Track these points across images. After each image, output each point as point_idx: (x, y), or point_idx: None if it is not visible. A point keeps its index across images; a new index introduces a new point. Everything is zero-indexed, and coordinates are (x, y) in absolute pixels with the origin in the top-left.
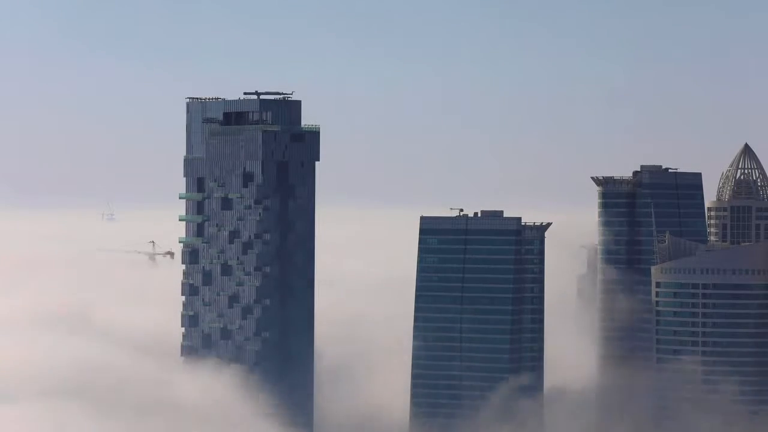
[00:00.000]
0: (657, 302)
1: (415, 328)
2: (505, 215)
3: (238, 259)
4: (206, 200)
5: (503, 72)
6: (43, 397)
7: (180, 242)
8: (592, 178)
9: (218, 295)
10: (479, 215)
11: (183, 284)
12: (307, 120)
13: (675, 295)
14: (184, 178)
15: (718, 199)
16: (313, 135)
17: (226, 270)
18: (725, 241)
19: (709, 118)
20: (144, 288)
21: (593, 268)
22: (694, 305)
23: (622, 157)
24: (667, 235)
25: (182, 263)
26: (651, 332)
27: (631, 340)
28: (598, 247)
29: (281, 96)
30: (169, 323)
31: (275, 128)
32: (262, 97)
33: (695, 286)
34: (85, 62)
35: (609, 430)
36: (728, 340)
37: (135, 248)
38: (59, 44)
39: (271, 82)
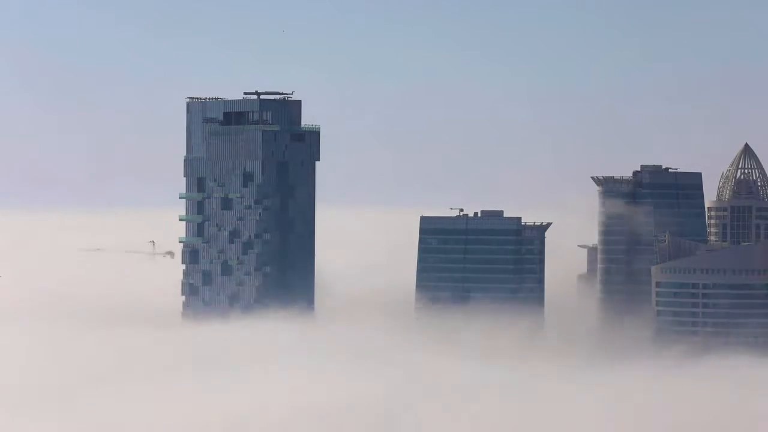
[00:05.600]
0: (657, 302)
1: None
2: (505, 215)
3: (238, 259)
4: (206, 200)
5: (502, 71)
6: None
7: (180, 242)
8: (592, 178)
9: (218, 295)
10: (479, 215)
11: (183, 284)
12: (307, 120)
13: (675, 295)
14: (184, 178)
15: (718, 199)
16: (313, 135)
17: (226, 270)
18: (725, 241)
19: (709, 118)
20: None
21: (593, 268)
22: (694, 305)
23: (622, 157)
24: (667, 235)
25: (182, 263)
26: (651, 332)
27: (631, 339)
28: (598, 247)
29: (281, 96)
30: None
31: (275, 128)
32: (262, 97)
33: (695, 286)
34: (84, 61)
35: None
36: (728, 340)
37: (135, 248)
38: (58, 43)
39: (271, 82)
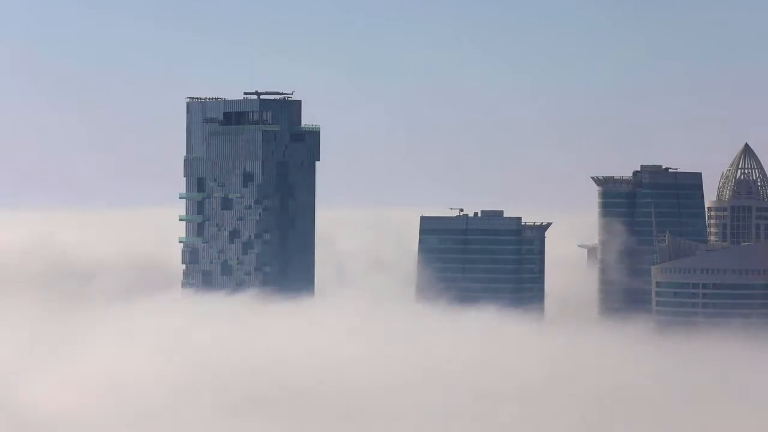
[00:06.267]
0: (657, 302)
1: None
2: (505, 215)
3: (238, 259)
4: (206, 200)
5: (503, 71)
6: None
7: (180, 242)
8: (592, 178)
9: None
10: (479, 215)
11: (183, 284)
12: (307, 120)
13: (675, 295)
14: (184, 178)
15: (718, 199)
16: (313, 135)
17: (226, 270)
18: (725, 241)
19: (709, 118)
20: None
21: (593, 268)
22: (694, 305)
23: (622, 157)
24: (667, 235)
25: (182, 263)
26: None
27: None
28: (598, 247)
29: (281, 96)
30: None
31: (275, 128)
32: (262, 97)
33: (695, 286)
34: (84, 61)
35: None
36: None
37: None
38: (58, 43)
39: (271, 82)
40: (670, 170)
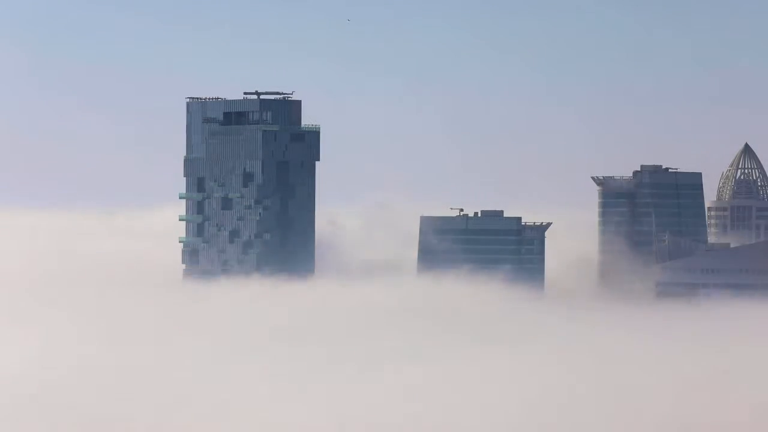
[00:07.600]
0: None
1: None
2: (505, 215)
3: (238, 259)
4: (206, 200)
5: (501, 71)
6: None
7: (180, 242)
8: (592, 178)
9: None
10: (479, 215)
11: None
12: (307, 120)
13: (675, 294)
14: (184, 178)
15: (718, 199)
16: (313, 135)
17: (226, 270)
18: (725, 241)
19: (709, 118)
20: None
21: (593, 268)
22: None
23: (622, 157)
24: (667, 235)
25: (182, 263)
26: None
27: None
28: (598, 246)
29: (281, 96)
30: None
31: (275, 128)
32: (262, 97)
33: (695, 285)
34: (83, 61)
35: None
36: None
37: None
38: (57, 43)
39: (271, 82)
40: (670, 170)
